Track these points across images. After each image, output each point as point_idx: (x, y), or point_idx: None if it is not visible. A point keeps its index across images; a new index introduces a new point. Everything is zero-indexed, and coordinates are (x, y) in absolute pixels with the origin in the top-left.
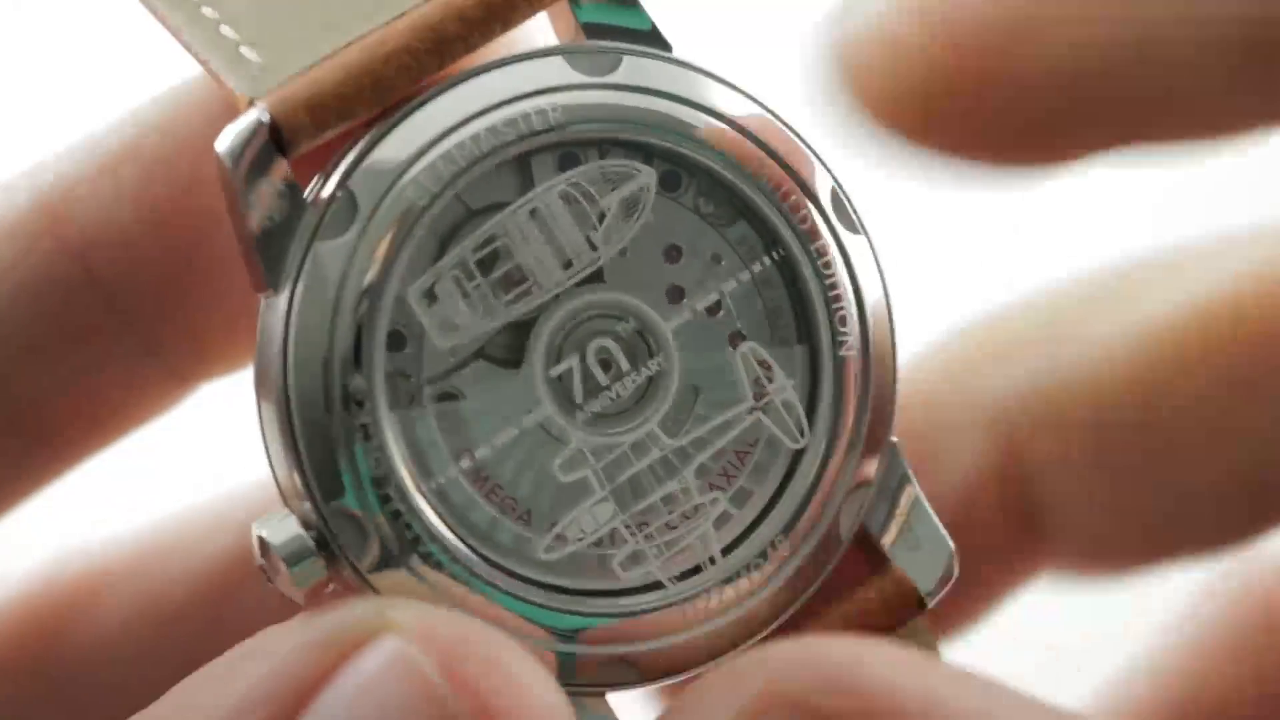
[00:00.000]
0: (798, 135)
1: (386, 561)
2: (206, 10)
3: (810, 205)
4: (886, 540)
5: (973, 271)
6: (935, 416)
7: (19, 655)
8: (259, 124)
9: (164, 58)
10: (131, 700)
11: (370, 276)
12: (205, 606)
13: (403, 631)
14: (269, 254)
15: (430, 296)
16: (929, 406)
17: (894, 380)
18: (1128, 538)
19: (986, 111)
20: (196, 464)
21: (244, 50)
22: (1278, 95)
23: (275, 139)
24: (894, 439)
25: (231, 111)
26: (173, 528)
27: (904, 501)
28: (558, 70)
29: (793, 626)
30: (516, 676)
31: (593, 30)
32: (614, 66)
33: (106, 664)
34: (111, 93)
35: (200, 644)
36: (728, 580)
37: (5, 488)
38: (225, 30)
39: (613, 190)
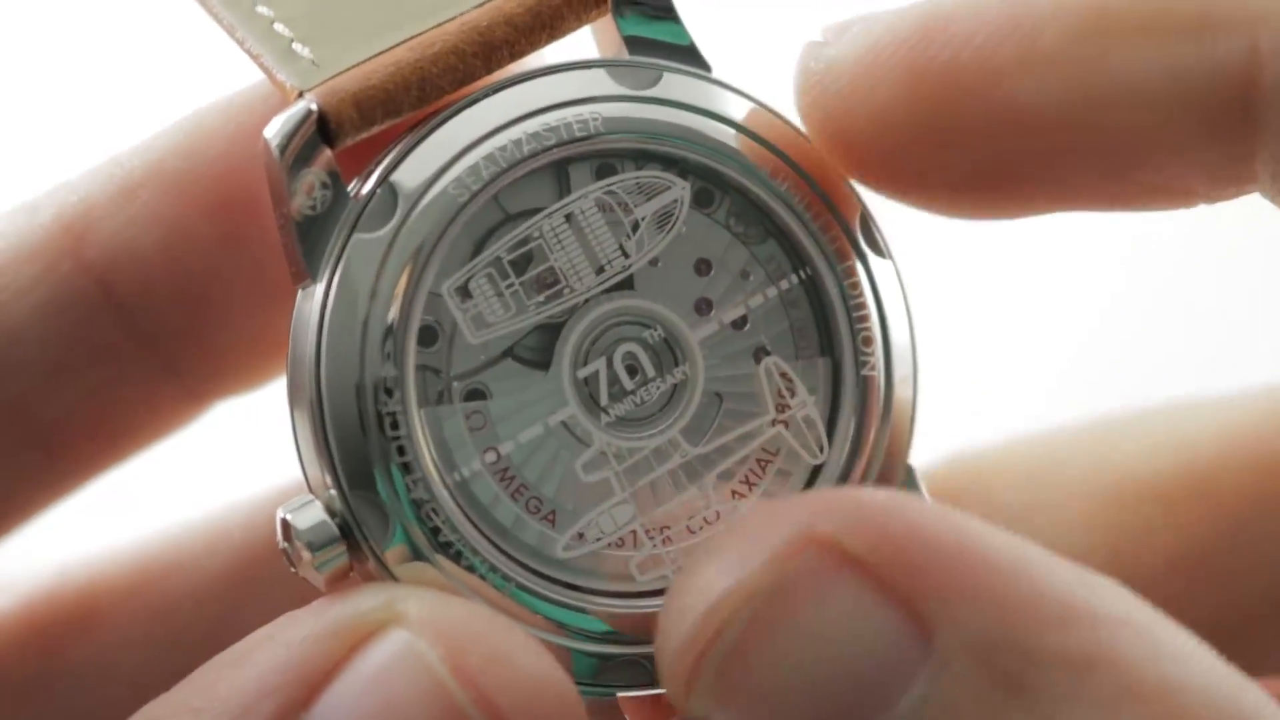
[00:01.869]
0: (829, 160)
1: (408, 551)
2: (261, 9)
3: (839, 228)
4: None
5: (994, 296)
6: None
7: (19, 669)
8: (307, 113)
9: (190, 77)
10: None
11: (406, 270)
12: (206, 623)
13: (411, 624)
14: (309, 243)
15: (464, 292)
16: None
17: (915, 403)
18: None
19: (949, 162)
20: (211, 479)
21: (296, 46)
22: (1251, 155)
23: (322, 129)
24: (911, 462)
25: (273, 111)
26: (174, 542)
27: None
28: (600, 81)
29: None
30: (525, 671)
31: (635, 43)
32: (654, 81)
33: (106, 680)
34: (135, 111)
35: (201, 660)
36: None
37: (23, 500)
38: (279, 28)
39: (647, 201)
